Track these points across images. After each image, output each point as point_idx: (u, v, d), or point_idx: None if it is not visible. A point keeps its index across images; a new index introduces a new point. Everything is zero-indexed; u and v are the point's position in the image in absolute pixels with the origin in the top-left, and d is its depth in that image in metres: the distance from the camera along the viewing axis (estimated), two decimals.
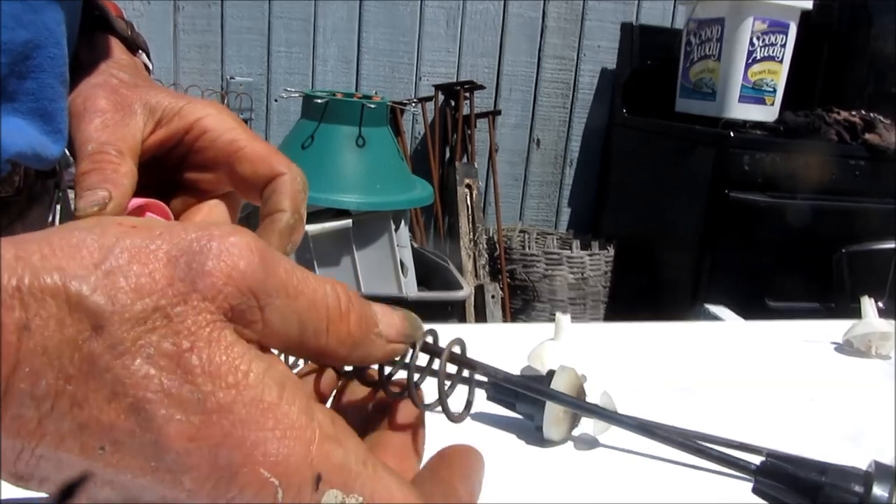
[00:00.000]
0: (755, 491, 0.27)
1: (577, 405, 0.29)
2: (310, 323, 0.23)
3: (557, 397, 0.29)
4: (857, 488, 0.26)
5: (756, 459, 0.28)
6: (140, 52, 0.45)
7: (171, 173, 0.37)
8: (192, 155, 0.37)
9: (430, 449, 0.39)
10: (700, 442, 0.29)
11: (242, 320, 0.21)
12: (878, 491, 0.25)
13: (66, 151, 0.39)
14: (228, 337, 0.21)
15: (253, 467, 0.21)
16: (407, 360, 0.29)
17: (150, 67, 0.46)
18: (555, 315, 0.55)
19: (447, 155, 2.62)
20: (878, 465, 0.26)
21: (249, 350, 0.21)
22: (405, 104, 2.42)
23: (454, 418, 0.27)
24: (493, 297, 2.42)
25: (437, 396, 0.30)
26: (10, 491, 0.30)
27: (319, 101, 1.89)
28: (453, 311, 1.90)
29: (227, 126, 0.36)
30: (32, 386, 0.19)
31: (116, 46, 0.42)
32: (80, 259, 0.20)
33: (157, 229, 0.21)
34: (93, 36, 0.42)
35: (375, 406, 0.28)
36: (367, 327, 0.24)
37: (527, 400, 0.43)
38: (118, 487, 0.21)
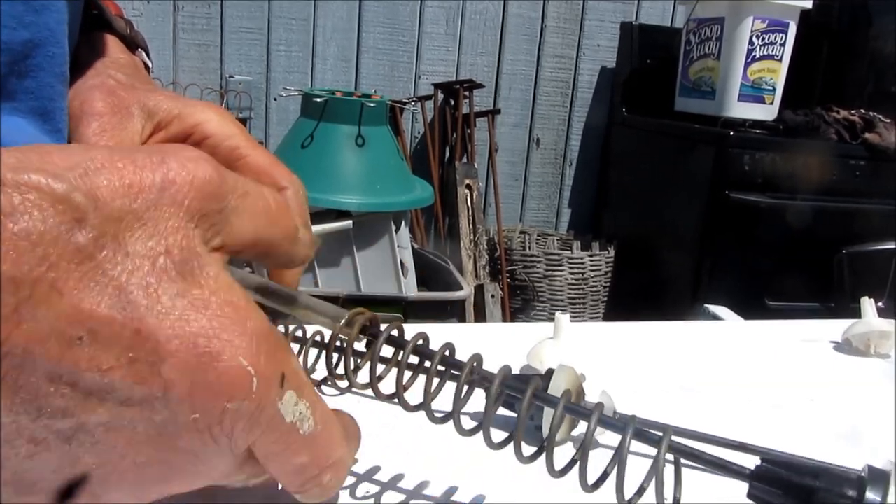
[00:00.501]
0: (750, 496, 0.27)
1: (568, 407, 0.29)
2: (263, 216, 0.25)
3: (545, 398, 0.29)
4: (851, 493, 0.25)
5: (754, 461, 0.28)
6: (139, 50, 0.45)
7: None
8: None
9: (434, 450, 0.38)
10: (695, 447, 0.29)
11: (206, 224, 0.23)
12: (871, 496, 0.25)
13: None
14: (198, 245, 0.22)
15: (232, 354, 0.22)
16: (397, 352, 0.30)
17: (150, 66, 0.46)
18: (554, 315, 0.55)
19: (447, 154, 2.62)
20: (871, 469, 0.26)
21: (218, 260, 0.23)
22: (405, 103, 2.42)
23: (407, 407, 0.29)
24: (492, 296, 2.42)
25: (443, 399, 0.30)
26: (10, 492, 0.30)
27: (319, 99, 1.89)
28: (453, 311, 1.90)
29: (228, 132, 0.36)
30: (15, 270, 0.19)
31: (115, 45, 0.42)
32: (56, 163, 0.21)
33: (118, 148, 0.23)
34: (91, 35, 0.42)
35: None
36: (296, 225, 0.27)
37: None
38: (79, 397, 0.21)
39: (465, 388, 0.30)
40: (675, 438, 0.27)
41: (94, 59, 0.40)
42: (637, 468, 0.28)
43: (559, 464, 0.28)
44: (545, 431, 0.42)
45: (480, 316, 2.39)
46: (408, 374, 0.30)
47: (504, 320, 2.45)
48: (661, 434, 0.27)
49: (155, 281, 0.21)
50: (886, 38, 2.32)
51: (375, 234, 1.88)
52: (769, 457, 0.29)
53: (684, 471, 0.28)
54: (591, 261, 2.57)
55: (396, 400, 0.30)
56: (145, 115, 0.35)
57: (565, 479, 0.28)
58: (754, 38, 2.21)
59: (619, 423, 0.28)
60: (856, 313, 0.64)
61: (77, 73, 0.39)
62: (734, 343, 0.66)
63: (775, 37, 2.23)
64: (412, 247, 2.04)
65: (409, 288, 1.94)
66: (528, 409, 0.28)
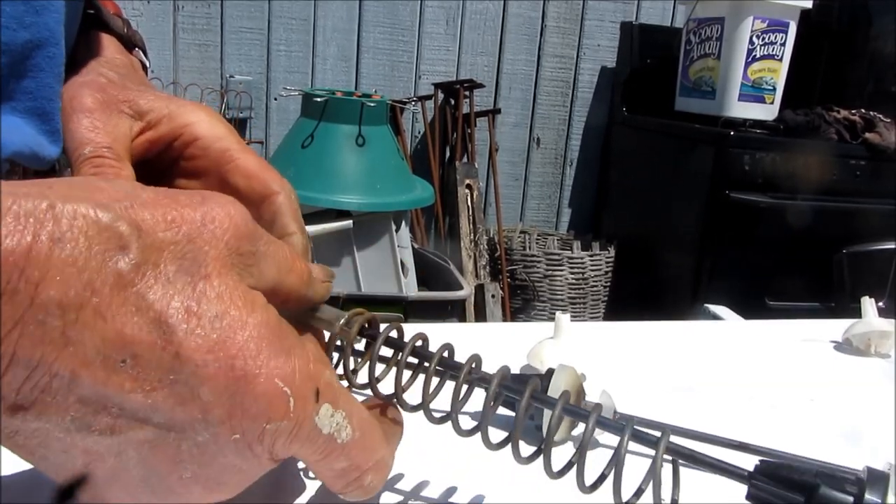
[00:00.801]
0: (749, 497, 0.27)
1: (566, 409, 0.29)
2: (283, 265, 0.26)
3: (544, 400, 0.29)
4: (850, 495, 0.25)
5: (754, 461, 0.28)
6: (136, 49, 0.45)
7: (159, 178, 0.37)
8: (183, 162, 0.36)
9: (435, 450, 0.39)
10: (693, 449, 0.29)
11: (241, 264, 0.24)
12: (871, 497, 0.25)
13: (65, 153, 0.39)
14: (234, 274, 0.24)
15: (269, 377, 0.23)
16: (397, 354, 0.30)
17: (147, 65, 0.46)
18: (554, 314, 0.55)
19: (447, 154, 2.62)
20: (870, 470, 0.26)
21: (249, 289, 0.24)
22: (405, 103, 2.42)
23: (406, 407, 0.30)
24: (493, 296, 2.42)
25: (443, 399, 0.30)
26: (10, 492, 0.30)
27: (319, 99, 1.88)
28: (453, 311, 1.90)
29: (218, 134, 0.36)
30: (61, 294, 0.20)
31: (111, 45, 0.42)
32: (104, 195, 0.22)
33: (162, 189, 0.24)
34: (88, 34, 0.42)
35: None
36: (309, 269, 0.28)
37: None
38: (126, 417, 0.22)
39: (465, 388, 0.30)
40: (674, 440, 0.27)
41: (90, 59, 0.40)
42: (636, 469, 0.28)
43: (558, 464, 0.28)
44: (545, 431, 0.42)
45: (481, 316, 2.39)
46: (407, 375, 0.31)
47: (504, 320, 2.45)
48: (658, 435, 0.27)
49: (195, 304, 0.22)
50: (886, 38, 2.32)
51: (376, 234, 1.88)
52: (768, 459, 0.29)
53: (684, 471, 0.28)
54: (592, 261, 2.57)
55: (396, 400, 0.30)
56: (135, 114, 0.35)
57: (565, 479, 0.28)
58: (754, 38, 2.21)
59: (617, 425, 0.28)
60: (856, 313, 0.64)
61: (71, 72, 0.39)
62: (734, 343, 0.66)
63: (775, 36, 2.23)
64: (412, 247, 2.04)
65: (410, 288, 1.94)
66: (526, 411, 0.28)
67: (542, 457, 0.28)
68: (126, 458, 0.22)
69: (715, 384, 0.54)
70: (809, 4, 2.23)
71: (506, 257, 2.59)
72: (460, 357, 0.30)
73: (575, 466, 0.28)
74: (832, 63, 2.54)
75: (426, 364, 0.30)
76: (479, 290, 2.40)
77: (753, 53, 2.23)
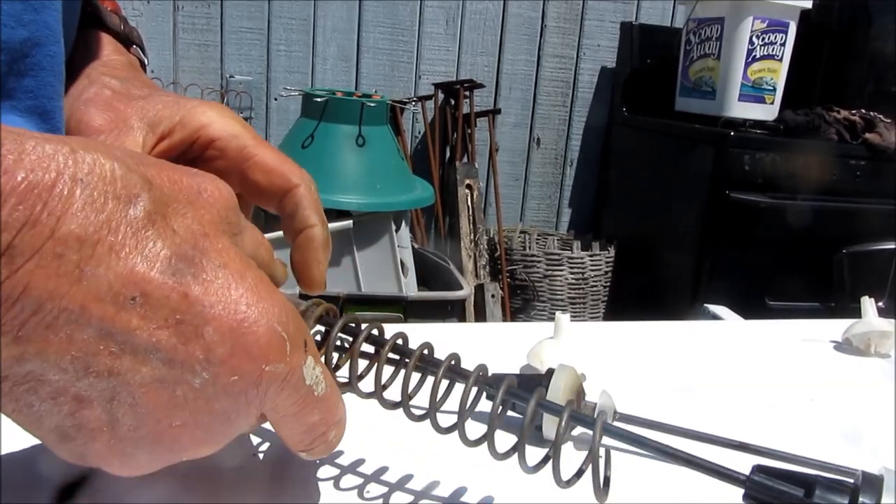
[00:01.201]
0: (745, 498, 0.27)
1: (553, 409, 0.29)
2: (258, 239, 0.28)
3: (544, 405, 0.29)
4: (844, 499, 0.26)
5: (754, 460, 0.28)
6: (134, 47, 0.45)
7: None
8: (201, 164, 0.36)
9: (438, 449, 0.38)
10: (692, 450, 0.29)
11: (230, 233, 0.26)
12: (865, 500, 0.25)
13: None
14: (226, 237, 0.25)
15: (269, 322, 0.24)
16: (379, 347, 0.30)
17: (146, 63, 0.45)
18: (554, 314, 0.55)
19: (447, 154, 2.62)
20: (864, 475, 0.26)
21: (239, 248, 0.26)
22: (405, 103, 2.42)
23: (361, 395, 0.31)
24: (492, 296, 2.42)
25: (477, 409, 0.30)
26: (11, 492, 0.30)
27: (319, 99, 1.88)
28: (453, 311, 1.90)
29: (233, 132, 0.36)
30: (81, 229, 0.21)
31: (109, 45, 0.42)
32: (119, 152, 0.24)
33: (160, 159, 0.26)
34: (85, 33, 0.41)
35: None
36: (271, 251, 0.30)
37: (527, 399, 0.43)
38: (127, 355, 0.23)
39: (445, 385, 0.30)
40: (675, 440, 0.27)
41: (88, 61, 0.40)
42: (644, 468, 0.28)
43: (546, 464, 0.28)
44: (546, 431, 0.42)
45: (481, 316, 2.39)
46: (364, 365, 0.31)
47: (504, 320, 2.45)
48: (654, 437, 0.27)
49: (199, 254, 0.24)
50: (886, 38, 2.32)
51: (376, 234, 1.88)
52: (765, 462, 0.29)
53: (682, 471, 0.28)
54: (592, 261, 2.57)
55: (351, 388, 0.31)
56: (146, 126, 0.35)
57: (565, 479, 0.28)
58: (754, 38, 2.21)
59: (622, 431, 0.28)
60: (856, 313, 0.64)
61: (70, 76, 0.38)
62: (734, 343, 0.66)
63: (775, 37, 2.23)
64: (412, 246, 2.04)
65: (410, 288, 1.94)
66: (532, 420, 0.28)
67: (545, 459, 0.28)
68: (117, 405, 0.23)
69: (715, 384, 0.54)
70: (809, 4, 2.22)
71: (506, 257, 2.59)
72: (443, 356, 0.31)
73: (580, 470, 0.28)
74: (832, 63, 2.54)
75: (404, 358, 0.30)
76: (479, 290, 2.40)
77: (753, 53, 2.23)
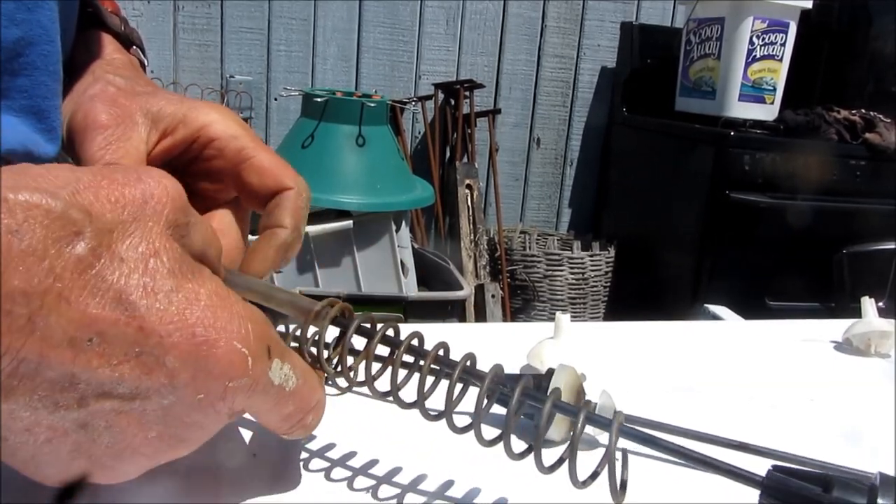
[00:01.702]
0: (762, 498, 0.27)
1: (568, 410, 0.29)
2: (206, 236, 0.28)
3: (556, 405, 0.29)
4: (862, 499, 0.25)
5: (755, 460, 0.28)
6: (134, 47, 0.45)
7: (176, 178, 0.37)
8: (200, 163, 0.36)
9: (437, 449, 0.38)
10: (702, 452, 0.29)
11: (178, 235, 0.25)
12: (883, 502, 0.25)
13: (64, 152, 0.39)
14: (178, 246, 0.25)
15: (228, 340, 0.24)
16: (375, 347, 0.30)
17: (146, 63, 0.45)
18: (555, 314, 0.55)
19: (447, 154, 2.62)
20: (882, 476, 0.26)
21: (193, 259, 0.26)
22: (405, 103, 2.42)
23: (377, 396, 0.31)
24: (493, 296, 2.42)
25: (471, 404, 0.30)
26: (10, 492, 0.30)
27: (319, 99, 1.88)
28: (453, 311, 1.90)
29: (233, 133, 0.36)
30: (25, 283, 0.21)
31: (110, 44, 0.42)
32: (51, 182, 0.23)
33: (98, 168, 0.25)
34: (86, 33, 0.42)
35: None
36: (220, 246, 0.29)
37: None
38: (92, 390, 0.23)
39: (430, 380, 0.30)
40: (678, 441, 0.27)
41: (90, 60, 0.40)
42: (644, 467, 0.28)
43: (556, 460, 0.28)
44: (550, 433, 0.42)
45: (481, 316, 2.39)
46: (377, 367, 0.31)
47: (504, 320, 2.45)
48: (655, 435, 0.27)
49: (150, 280, 0.23)
50: (886, 38, 2.32)
51: (376, 234, 1.88)
52: (780, 463, 0.29)
53: (689, 470, 0.28)
54: (592, 261, 2.57)
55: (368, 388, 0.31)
56: (149, 122, 0.35)
57: (565, 479, 0.28)
58: (754, 38, 2.21)
59: (604, 420, 0.28)
60: (856, 313, 0.64)
61: (73, 75, 0.38)
62: (734, 343, 0.66)
63: (775, 37, 2.23)
64: (412, 247, 2.04)
65: (410, 288, 1.94)
66: (517, 410, 0.28)
67: (546, 457, 0.28)
68: (92, 429, 0.24)
69: (715, 384, 0.54)
70: (809, 4, 2.22)
71: (506, 257, 2.59)
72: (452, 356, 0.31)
73: (567, 462, 0.28)
74: (832, 63, 2.54)
75: (407, 357, 0.30)
76: (479, 290, 2.40)
77: (753, 53, 2.23)
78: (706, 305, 0.79)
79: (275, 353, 0.27)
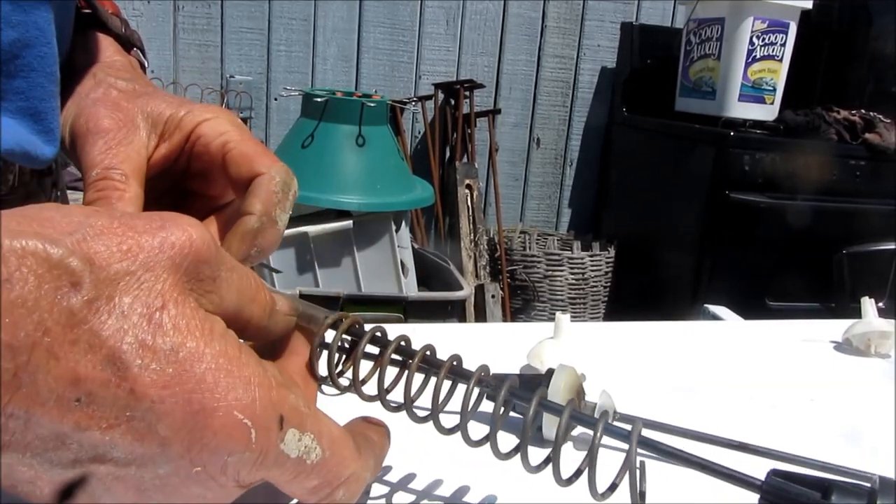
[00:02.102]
0: (761, 502, 0.27)
1: (575, 415, 0.29)
2: (245, 292, 0.26)
3: (549, 407, 0.29)
4: (861, 502, 0.25)
5: (756, 461, 0.28)
6: (135, 49, 0.45)
7: (178, 181, 0.37)
8: (192, 162, 0.36)
9: (438, 450, 0.38)
10: (692, 450, 0.29)
11: (200, 289, 0.24)
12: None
13: (63, 154, 0.39)
14: (192, 301, 0.23)
15: (227, 410, 0.22)
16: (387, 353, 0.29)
17: (146, 65, 0.45)
18: (555, 315, 0.55)
19: (447, 154, 2.62)
20: (882, 480, 0.26)
21: (209, 314, 0.24)
22: (405, 103, 2.42)
23: (389, 408, 0.30)
24: (493, 296, 2.42)
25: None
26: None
27: (319, 99, 1.88)
28: (453, 311, 1.90)
29: (220, 130, 0.35)
30: (11, 337, 0.19)
31: (110, 46, 0.42)
32: (55, 228, 0.21)
33: (119, 214, 0.23)
34: (86, 35, 0.42)
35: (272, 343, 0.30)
36: (273, 300, 0.28)
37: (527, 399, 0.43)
38: (85, 452, 0.21)
39: (447, 386, 0.30)
40: (682, 443, 0.27)
41: (90, 62, 0.40)
42: (609, 465, 0.28)
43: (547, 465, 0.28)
44: (546, 432, 0.42)
45: (481, 316, 2.39)
46: (391, 376, 0.31)
47: (504, 320, 2.45)
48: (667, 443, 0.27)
49: (150, 338, 0.21)
50: (886, 38, 2.32)
51: (376, 234, 1.88)
52: (780, 467, 0.29)
53: (690, 470, 0.28)
54: (592, 261, 2.57)
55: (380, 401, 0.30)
56: (149, 125, 0.35)
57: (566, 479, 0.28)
58: (755, 39, 2.21)
59: (623, 431, 0.28)
60: (856, 313, 0.64)
61: (73, 78, 0.38)
62: (734, 343, 0.66)
63: (776, 37, 2.23)
64: (412, 247, 2.04)
65: (410, 288, 1.94)
66: (533, 421, 0.28)
67: (551, 464, 0.28)
68: (91, 489, 0.22)
69: (715, 384, 0.54)
70: (809, 5, 2.23)
71: (506, 257, 2.59)
72: (448, 358, 0.31)
73: (586, 473, 0.28)
74: (832, 63, 2.54)
75: (410, 363, 0.30)
76: (479, 290, 2.40)
77: (753, 54, 2.23)
78: (706, 305, 0.79)
79: (291, 423, 0.24)
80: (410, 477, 0.36)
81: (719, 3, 2.25)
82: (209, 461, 0.22)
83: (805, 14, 2.25)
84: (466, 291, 1.94)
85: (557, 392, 0.39)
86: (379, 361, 0.30)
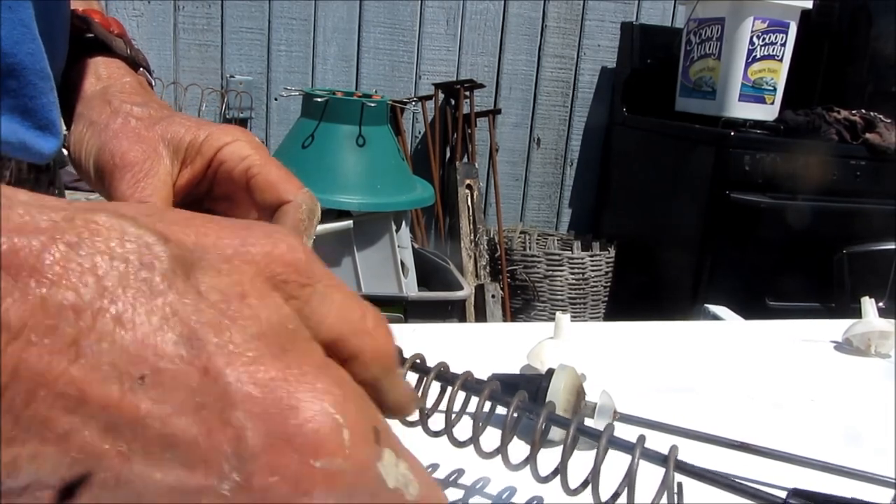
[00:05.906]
0: None
1: (579, 428, 0.29)
2: (349, 318, 0.22)
3: (554, 420, 0.30)
4: None
5: (758, 460, 0.28)
6: (141, 69, 0.45)
7: (201, 202, 0.38)
8: (215, 186, 0.37)
9: (440, 456, 0.38)
10: (693, 450, 0.29)
11: (285, 293, 0.21)
12: None
13: (65, 151, 0.39)
14: (277, 297, 0.20)
15: (316, 396, 0.19)
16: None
17: (153, 84, 0.46)
18: (555, 315, 0.55)
19: (447, 154, 2.62)
20: None
21: (294, 314, 0.21)
22: (405, 103, 2.42)
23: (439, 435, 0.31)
24: (493, 296, 2.42)
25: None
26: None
27: (319, 99, 1.89)
28: (453, 311, 1.90)
29: (242, 154, 0.35)
30: (76, 296, 0.18)
31: (119, 68, 0.42)
32: (130, 210, 0.20)
33: (199, 213, 0.22)
34: (93, 59, 0.42)
35: None
36: (395, 351, 0.23)
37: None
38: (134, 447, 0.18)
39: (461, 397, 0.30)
40: (684, 444, 0.27)
41: (101, 89, 0.40)
42: (645, 467, 0.28)
43: (557, 460, 0.28)
44: (547, 436, 0.42)
45: (481, 316, 2.39)
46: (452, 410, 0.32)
47: (504, 320, 2.45)
48: (665, 454, 0.27)
49: (229, 321, 0.19)
50: (887, 38, 2.32)
51: (376, 234, 1.88)
52: (780, 466, 0.29)
53: (709, 489, 0.28)
54: (592, 261, 2.57)
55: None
56: (171, 152, 0.35)
57: (566, 480, 0.28)
58: (755, 39, 2.21)
59: (627, 444, 0.28)
60: (856, 313, 0.64)
61: (84, 104, 0.38)
62: (734, 343, 0.66)
63: (776, 37, 2.23)
64: (412, 247, 2.04)
65: (410, 288, 1.94)
66: (514, 427, 0.28)
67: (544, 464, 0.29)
68: (95, 493, 0.18)
69: (715, 384, 0.54)
70: (809, 4, 2.23)
71: (506, 257, 2.59)
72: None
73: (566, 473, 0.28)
74: (832, 63, 2.54)
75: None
76: (480, 290, 2.40)
77: (754, 54, 2.23)
78: (706, 305, 0.79)
79: (387, 442, 0.20)
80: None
81: (719, 3, 2.25)
82: (292, 467, 0.18)
83: (805, 14, 2.25)
84: (466, 291, 1.94)
85: (557, 392, 0.39)
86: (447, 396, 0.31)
